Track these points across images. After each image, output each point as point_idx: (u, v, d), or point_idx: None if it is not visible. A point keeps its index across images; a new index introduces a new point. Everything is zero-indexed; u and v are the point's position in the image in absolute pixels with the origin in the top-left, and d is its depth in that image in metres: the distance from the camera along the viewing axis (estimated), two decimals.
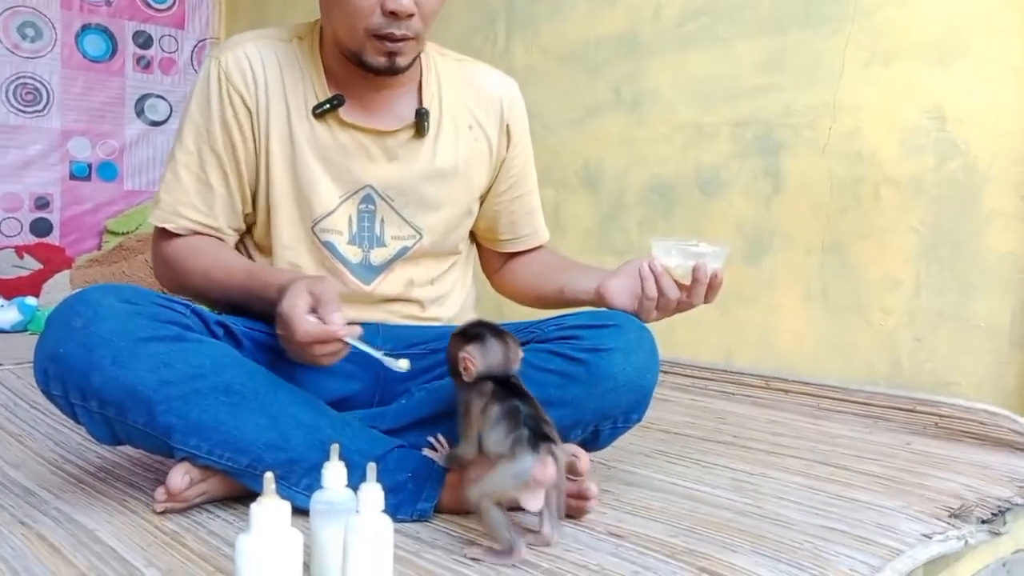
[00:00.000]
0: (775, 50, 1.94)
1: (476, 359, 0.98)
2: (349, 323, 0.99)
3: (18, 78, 3.18)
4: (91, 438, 1.04)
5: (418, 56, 1.17)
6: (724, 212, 2.03)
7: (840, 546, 1.00)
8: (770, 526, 1.06)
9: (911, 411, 1.67)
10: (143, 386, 0.96)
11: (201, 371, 0.99)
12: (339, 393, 1.19)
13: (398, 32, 1.08)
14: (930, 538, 1.05)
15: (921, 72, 1.73)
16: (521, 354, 1.02)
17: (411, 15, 1.07)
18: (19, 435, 1.40)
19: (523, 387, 0.98)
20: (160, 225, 1.19)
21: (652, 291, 1.11)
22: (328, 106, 1.17)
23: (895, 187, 1.76)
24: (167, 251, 1.20)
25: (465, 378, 0.99)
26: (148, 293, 1.03)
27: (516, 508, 0.93)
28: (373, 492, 0.77)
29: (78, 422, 1.01)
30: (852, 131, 1.82)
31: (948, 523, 1.11)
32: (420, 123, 1.20)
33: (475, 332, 1.01)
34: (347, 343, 0.99)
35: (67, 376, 0.97)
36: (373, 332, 1.23)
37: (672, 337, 2.06)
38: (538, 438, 0.89)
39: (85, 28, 3.33)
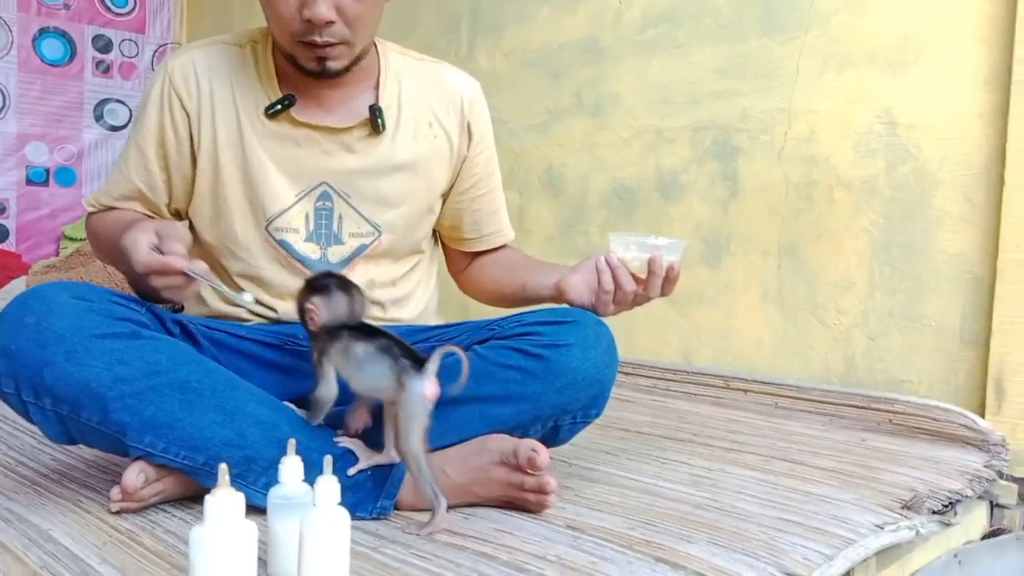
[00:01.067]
0: (734, 56, 1.97)
1: (320, 309, 1.04)
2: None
3: None
4: (44, 438, 1.02)
5: (359, 57, 1.17)
6: (684, 215, 2.06)
7: (795, 536, 1.02)
8: (727, 518, 1.08)
9: (865, 408, 1.70)
10: (97, 383, 0.95)
11: (156, 368, 0.98)
12: (298, 392, 1.19)
13: (319, 39, 1.10)
14: (882, 528, 1.07)
15: (874, 78, 1.77)
16: (367, 305, 1.09)
17: (330, 22, 1.08)
18: None
19: (379, 328, 1.02)
20: (87, 208, 1.30)
21: (608, 284, 1.12)
22: (279, 106, 1.18)
23: (848, 190, 1.80)
24: (88, 226, 1.31)
25: (310, 327, 1.05)
26: (103, 291, 1.02)
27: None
28: (329, 485, 0.77)
29: (31, 421, 0.99)
30: (807, 136, 1.86)
31: (900, 514, 1.13)
32: (374, 119, 1.21)
33: (321, 283, 1.06)
34: (190, 276, 0.99)
35: (19, 372, 0.96)
36: None
37: (633, 338, 2.09)
38: (417, 361, 0.96)
39: (43, 32, 3.29)
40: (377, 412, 1.08)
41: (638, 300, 1.14)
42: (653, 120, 2.12)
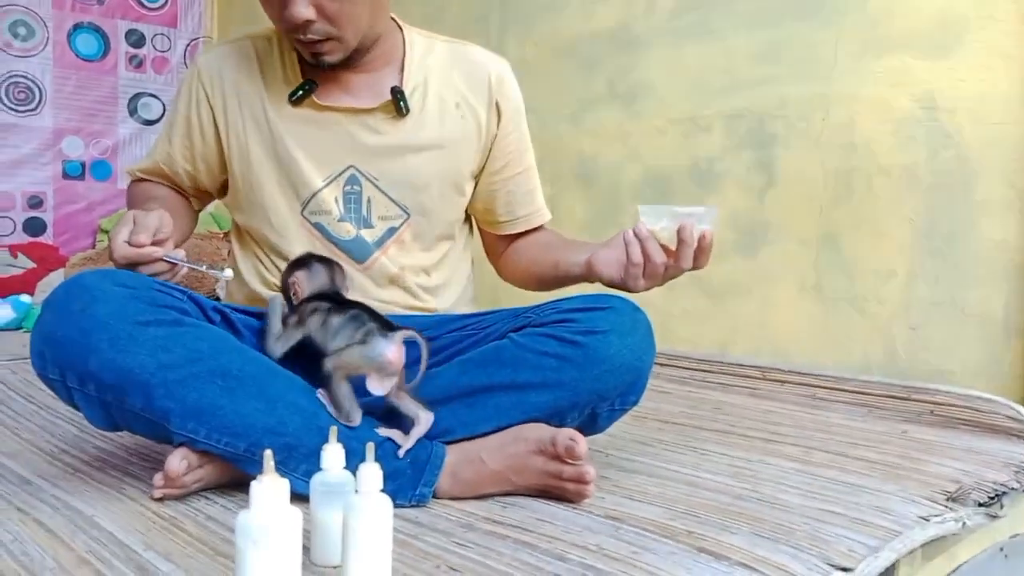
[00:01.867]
0: (769, 42, 1.94)
1: (302, 282, 1.11)
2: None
3: (10, 77, 3.17)
4: (88, 424, 1.03)
5: (366, 46, 1.19)
6: (719, 204, 2.02)
7: (838, 528, 1.00)
8: (768, 509, 1.06)
9: (906, 399, 1.67)
10: (141, 369, 0.96)
11: (199, 355, 0.99)
12: None
13: (303, 38, 1.13)
14: (927, 520, 1.05)
15: (914, 62, 1.74)
16: (347, 280, 1.16)
17: (309, 21, 1.10)
18: (15, 428, 1.39)
19: (359, 302, 1.09)
20: (128, 175, 1.37)
21: (637, 256, 1.07)
22: (301, 92, 1.21)
23: (888, 177, 1.77)
24: (127, 194, 1.38)
25: (295, 300, 1.11)
26: (145, 279, 1.03)
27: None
28: (372, 472, 0.77)
29: (75, 407, 1.00)
30: (845, 122, 1.83)
31: (945, 506, 1.11)
32: (397, 101, 1.21)
33: (303, 260, 1.15)
34: (168, 261, 1.03)
35: (64, 359, 0.96)
36: None
37: (669, 329, 2.07)
38: (388, 328, 1.02)
39: (77, 27, 3.32)
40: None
41: (670, 273, 1.09)
42: (687, 108, 2.10)
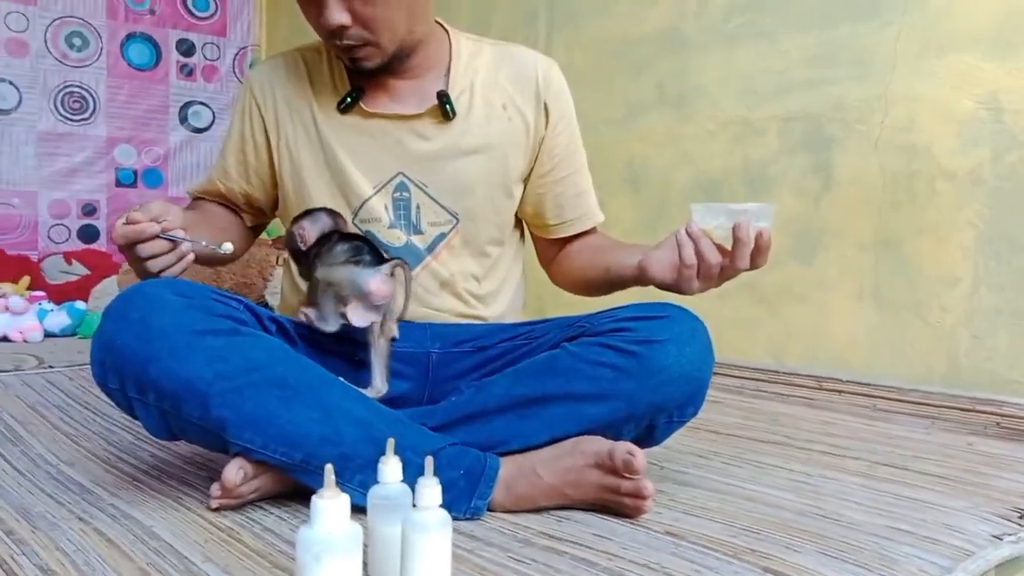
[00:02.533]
0: (824, 43, 1.90)
1: (307, 228, 1.14)
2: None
3: (65, 87, 3.24)
4: (142, 433, 1.04)
5: (407, 51, 1.18)
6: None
7: (907, 546, 0.96)
8: (833, 526, 1.03)
9: (971, 411, 1.62)
10: (198, 379, 0.96)
11: (255, 364, 0.99)
12: (389, 392, 1.19)
13: (340, 43, 1.13)
14: (1000, 539, 1.01)
15: (977, 62, 1.68)
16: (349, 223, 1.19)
17: (343, 27, 1.10)
18: (73, 435, 1.41)
19: (360, 235, 1.15)
20: (188, 195, 1.39)
21: (690, 257, 1.03)
22: (349, 100, 1.21)
23: (951, 181, 1.72)
24: None
25: (301, 246, 1.14)
26: (203, 287, 1.03)
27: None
28: (431, 486, 0.75)
29: (134, 416, 1.01)
30: (905, 124, 1.78)
31: (1019, 524, 1.07)
32: (443, 105, 1.20)
33: (305, 211, 1.19)
34: (166, 238, 1.01)
35: (124, 368, 0.97)
36: (421, 331, 1.23)
37: (721, 337, 2.02)
38: (381, 260, 1.06)
39: (130, 37, 3.39)
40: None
41: (726, 274, 1.05)
42: (740, 111, 2.06)
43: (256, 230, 1.39)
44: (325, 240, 1.13)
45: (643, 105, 2.28)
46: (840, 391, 1.81)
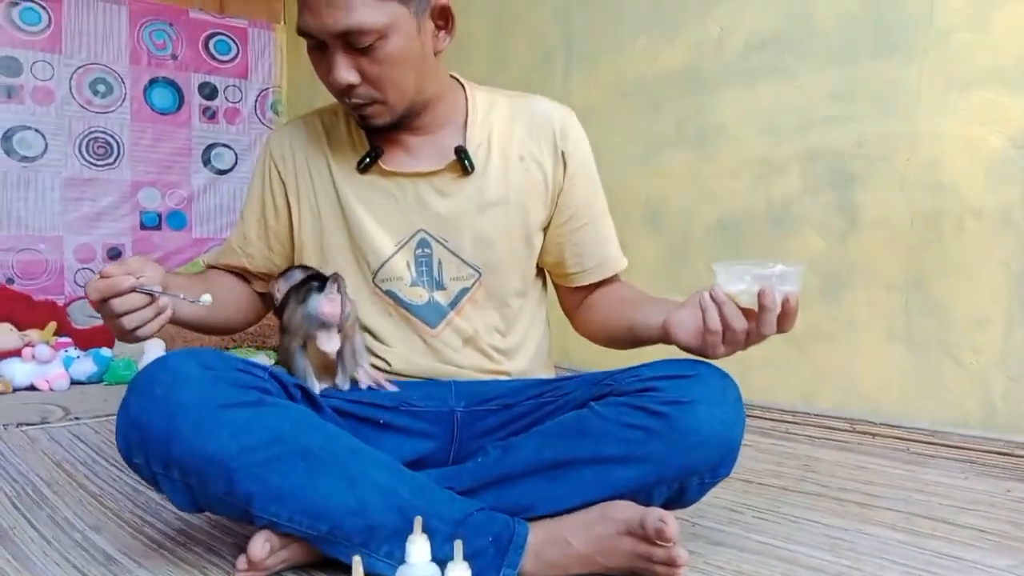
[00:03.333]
0: (846, 80, 1.88)
1: (279, 286, 1.19)
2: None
3: (90, 133, 3.28)
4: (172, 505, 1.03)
5: (401, 114, 1.16)
6: (798, 248, 1.97)
7: None
8: None
9: (1009, 455, 1.58)
10: (224, 454, 0.95)
11: (281, 435, 0.98)
12: (415, 453, 1.18)
13: (348, 101, 1.13)
14: None
15: (1002, 98, 1.66)
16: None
17: (352, 86, 1.10)
18: (99, 495, 1.40)
19: (318, 273, 1.17)
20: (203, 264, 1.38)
21: (715, 323, 1.00)
22: (368, 159, 1.21)
23: (980, 219, 1.69)
24: None
25: (277, 296, 1.19)
26: (228, 358, 1.03)
27: None
28: (461, 572, 0.74)
29: (160, 491, 1.00)
30: (932, 162, 1.75)
31: None
32: (462, 161, 1.20)
33: (282, 271, 1.23)
34: (142, 291, 0.98)
35: (149, 445, 0.97)
36: (445, 389, 1.22)
37: (749, 379, 1.99)
38: (322, 287, 1.11)
39: (153, 82, 3.43)
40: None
41: (752, 339, 1.02)
42: (761, 149, 2.05)
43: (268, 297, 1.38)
44: (284, 300, 1.18)
45: (662, 143, 2.27)
46: (873, 434, 1.77)
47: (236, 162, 3.61)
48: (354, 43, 1.07)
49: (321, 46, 1.10)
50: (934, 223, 1.75)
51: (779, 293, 0.97)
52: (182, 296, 1.03)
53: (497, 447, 1.14)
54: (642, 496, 1.05)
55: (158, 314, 1.00)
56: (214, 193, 3.55)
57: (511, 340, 1.29)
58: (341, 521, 0.98)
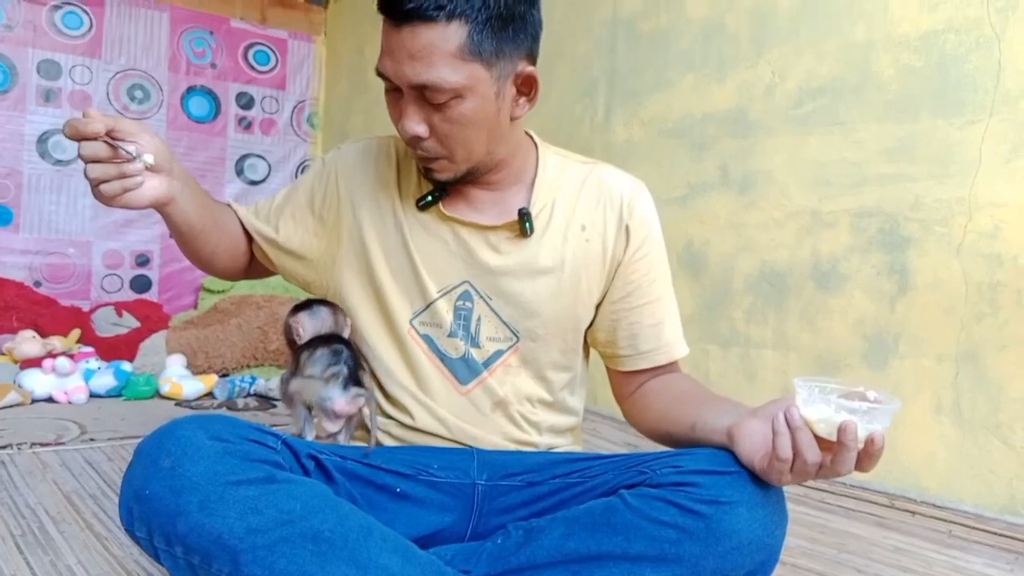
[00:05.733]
0: (903, 137, 1.80)
1: (304, 324, 1.14)
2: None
3: None
4: None
5: (466, 172, 1.12)
6: (843, 308, 1.89)
7: None
8: None
9: None
10: (229, 535, 0.89)
11: (290, 516, 0.92)
12: (432, 526, 1.12)
13: (416, 152, 1.09)
14: None
15: None
16: (349, 322, 1.17)
17: (420, 138, 1.06)
18: (105, 537, 1.36)
19: (349, 341, 1.13)
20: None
21: (785, 452, 0.91)
22: (430, 198, 1.16)
23: None
24: None
25: (297, 341, 1.14)
26: (240, 427, 0.97)
27: None
28: None
29: (161, 564, 0.95)
30: (990, 230, 1.66)
31: None
32: (523, 222, 1.14)
33: (304, 303, 1.17)
34: (110, 143, 0.93)
35: (152, 519, 0.91)
36: (467, 458, 1.16)
37: None
38: (352, 380, 1.08)
39: (191, 90, 3.42)
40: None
41: (823, 473, 0.93)
42: (810, 201, 1.96)
43: (255, 265, 1.32)
44: (307, 347, 1.13)
45: (705, 186, 2.20)
46: (913, 512, 1.68)
47: (269, 173, 3.59)
48: (429, 98, 1.03)
49: (396, 90, 1.06)
50: (990, 294, 1.66)
51: (864, 430, 0.86)
52: (133, 150, 0.96)
53: (519, 528, 1.07)
54: None
55: (123, 177, 0.96)
56: (246, 203, 3.52)
57: (543, 414, 1.22)
58: None
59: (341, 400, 1.07)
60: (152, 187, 1.00)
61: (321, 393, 1.08)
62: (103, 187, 0.96)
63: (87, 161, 0.95)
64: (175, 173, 1.04)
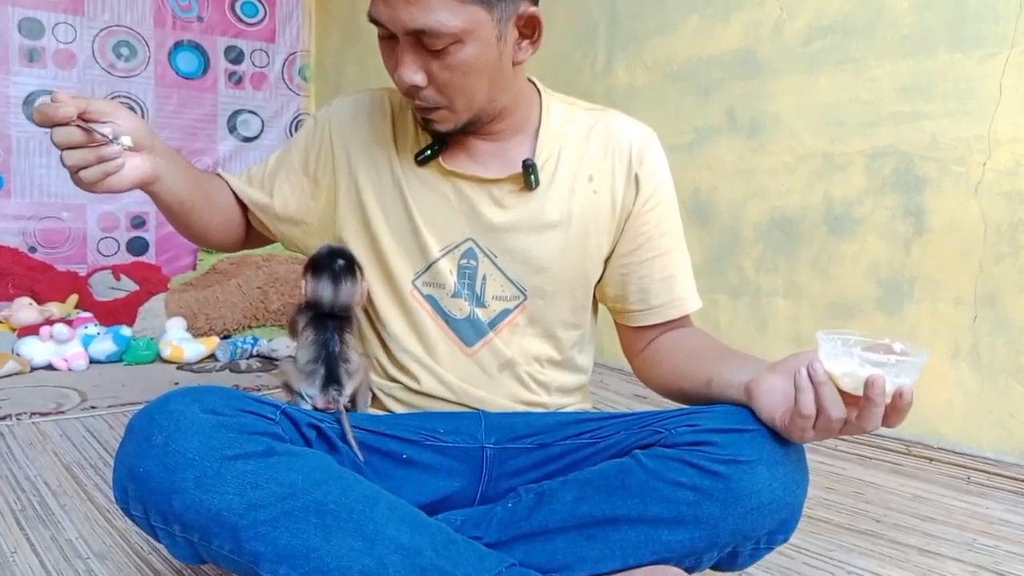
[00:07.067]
0: (919, 74, 1.72)
1: (305, 287, 1.10)
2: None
3: (114, 97, 3.19)
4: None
5: (466, 122, 1.06)
6: (856, 253, 1.83)
7: None
8: None
9: None
10: (229, 511, 0.86)
11: (292, 490, 0.88)
12: (440, 492, 1.08)
13: (414, 103, 1.04)
14: None
15: None
16: (357, 293, 1.10)
17: (418, 88, 1.00)
18: (107, 510, 1.33)
19: (347, 320, 1.09)
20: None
21: (808, 408, 0.87)
22: (429, 152, 1.11)
23: None
24: None
25: (304, 291, 1.11)
26: (236, 398, 0.93)
27: None
28: None
29: (159, 541, 0.92)
30: (1011, 168, 1.60)
31: None
32: (527, 175, 1.08)
33: (320, 262, 1.09)
34: (82, 127, 0.88)
35: (147, 497, 0.87)
36: (474, 422, 1.12)
37: None
38: (329, 380, 1.06)
39: (178, 45, 3.32)
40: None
41: (848, 430, 0.88)
42: (821, 144, 1.90)
43: (253, 235, 1.27)
44: (305, 319, 1.10)
45: (711, 131, 2.13)
46: (931, 459, 1.65)
47: (263, 129, 3.51)
48: (427, 44, 0.97)
49: (391, 37, 1.00)
50: (1011, 234, 1.60)
51: (891, 384, 0.81)
52: (109, 133, 0.90)
53: (530, 492, 1.04)
54: (690, 561, 0.95)
55: (102, 161, 0.90)
56: (240, 160, 3.46)
57: (551, 373, 1.18)
58: None
59: (319, 398, 1.06)
60: (134, 167, 0.94)
61: (301, 387, 1.08)
62: (82, 174, 0.90)
63: (62, 148, 0.89)
64: (156, 150, 0.98)
